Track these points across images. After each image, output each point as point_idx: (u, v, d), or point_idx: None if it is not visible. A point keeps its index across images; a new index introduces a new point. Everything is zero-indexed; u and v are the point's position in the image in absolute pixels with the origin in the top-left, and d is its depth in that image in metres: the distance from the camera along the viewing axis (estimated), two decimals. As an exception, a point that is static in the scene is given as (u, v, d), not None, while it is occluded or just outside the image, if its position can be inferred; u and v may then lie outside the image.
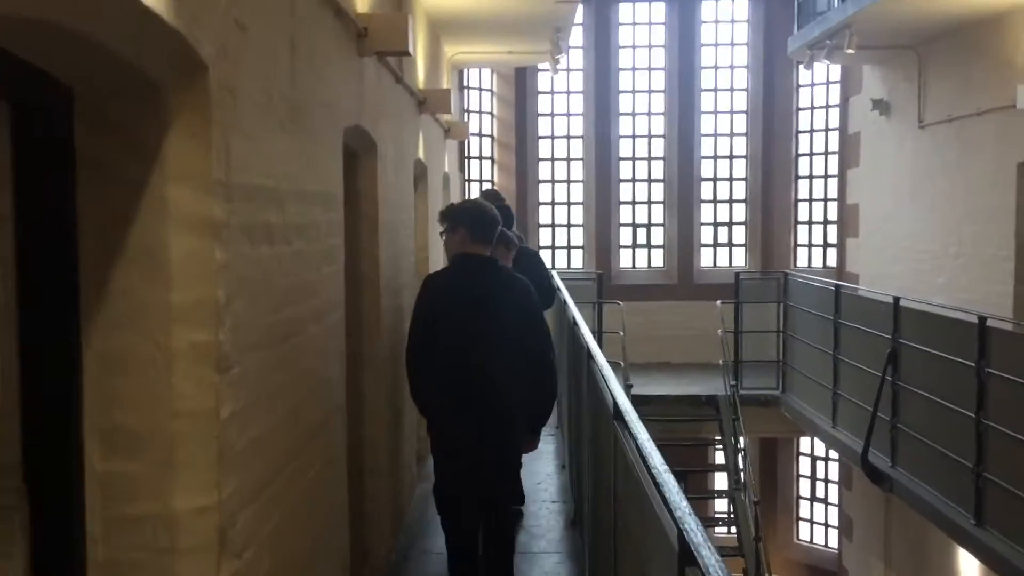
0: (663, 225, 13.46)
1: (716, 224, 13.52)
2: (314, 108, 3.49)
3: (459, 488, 4.37)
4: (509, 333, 4.32)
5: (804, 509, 13.55)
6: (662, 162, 13.48)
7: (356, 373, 4.72)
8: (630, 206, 13.54)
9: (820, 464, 13.26)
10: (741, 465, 10.14)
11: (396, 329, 5.60)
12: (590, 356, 3.98)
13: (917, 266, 10.23)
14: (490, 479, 4.36)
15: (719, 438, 11.00)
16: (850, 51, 9.42)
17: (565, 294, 7.52)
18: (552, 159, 13.54)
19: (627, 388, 9.92)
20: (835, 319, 9.05)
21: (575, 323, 4.97)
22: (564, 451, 7.39)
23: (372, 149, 4.99)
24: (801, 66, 12.81)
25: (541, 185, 13.51)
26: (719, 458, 11.84)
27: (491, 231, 4.51)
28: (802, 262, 13.16)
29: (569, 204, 13.57)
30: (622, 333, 10.45)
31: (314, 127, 3.49)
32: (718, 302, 10.75)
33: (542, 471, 7.24)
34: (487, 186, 12.93)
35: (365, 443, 4.91)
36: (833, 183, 12.72)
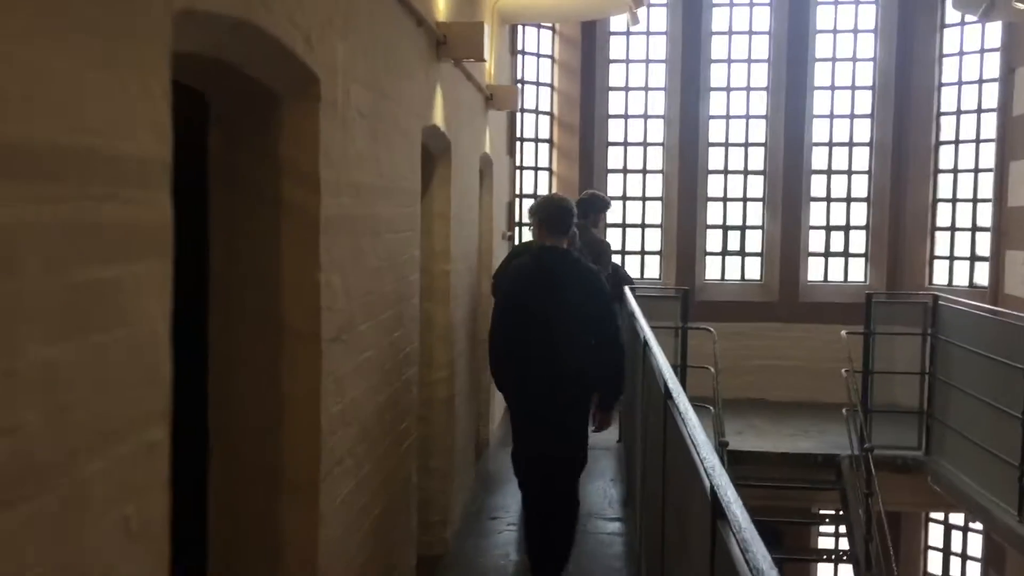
0: (762, 228, 10.80)
1: (829, 228, 10.80)
2: (400, 111, 4.11)
3: (532, 450, 4.90)
4: (580, 317, 4.79)
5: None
6: (762, 149, 10.82)
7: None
8: (720, 203, 10.90)
9: (957, 535, 10.46)
10: (870, 553, 7.51)
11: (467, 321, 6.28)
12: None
13: None
14: (559, 442, 4.83)
15: (840, 512, 8.35)
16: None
17: (640, 319, 5.31)
18: (625, 144, 10.96)
19: (720, 446, 7.38)
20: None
21: (646, 345, 4.36)
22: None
23: (447, 148, 5.49)
24: (947, 30, 10.05)
25: (610, 176, 10.95)
26: (842, 542, 9.21)
27: (561, 223, 4.98)
28: (940, 279, 10.39)
29: (644, 199, 10.99)
30: (713, 369, 7.89)
31: (399, 129, 4.10)
32: (843, 332, 8.09)
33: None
34: (548, 179, 10.45)
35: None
36: (987, 180, 9.92)
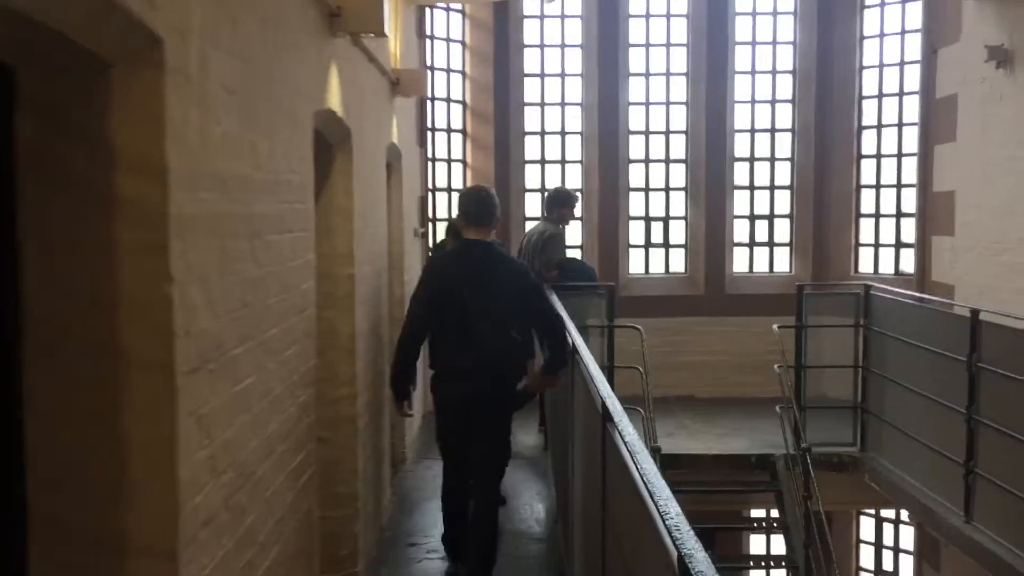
0: (685, 219, 10.42)
1: (753, 217, 10.48)
2: (284, 91, 3.52)
3: (456, 434, 5.09)
4: (503, 306, 4.97)
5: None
6: (683, 137, 10.44)
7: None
8: (642, 194, 10.48)
9: (888, 528, 10.26)
10: (810, 558, 7.17)
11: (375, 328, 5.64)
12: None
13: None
14: (482, 424, 4.97)
15: (776, 515, 7.99)
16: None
17: (567, 323, 5.25)
18: (542, 133, 10.45)
19: (653, 451, 6.93)
20: (969, 360, 6.05)
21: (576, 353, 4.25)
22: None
23: (347, 137, 4.89)
24: (867, 11, 9.81)
25: (528, 167, 10.43)
26: (776, 545, 8.88)
27: (483, 217, 5.13)
28: (866, 267, 10.16)
29: (560, 189, 10.46)
30: (643, 370, 7.44)
31: (284, 111, 3.51)
32: (775, 326, 7.72)
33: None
34: (461, 169, 9.87)
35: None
36: (911, 164, 9.70)
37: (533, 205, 10.37)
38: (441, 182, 9.97)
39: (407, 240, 7.86)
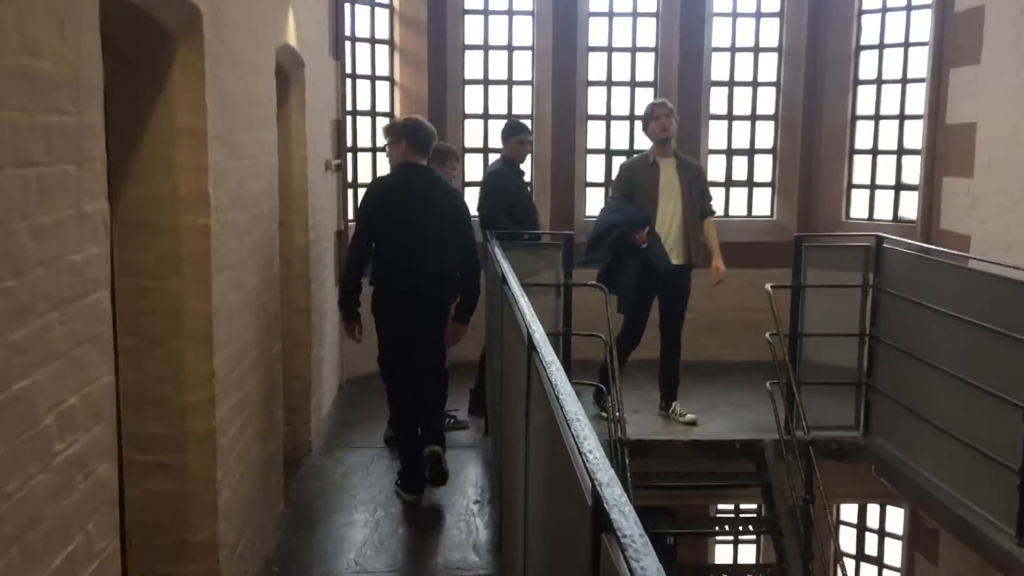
0: (652, 152, 8.88)
1: (730, 152, 9.00)
2: None
3: (398, 353, 5.49)
4: (443, 232, 5.36)
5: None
6: (652, 56, 8.86)
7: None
8: (603, 123, 8.91)
9: (873, 508, 9.07)
10: (811, 572, 5.91)
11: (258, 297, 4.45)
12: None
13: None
14: (421, 340, 5.47)
15: (765, 515, 6.66)
16: None
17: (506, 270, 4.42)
18: (485, 47, 8.78)
19: (620, 445, 5.57)
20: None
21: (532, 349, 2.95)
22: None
23: (192, 19, 3.38)
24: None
25: (468, 88, 8.77)
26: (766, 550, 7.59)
27: (429, 144, 5.57)
28: (859, 212, 8.79)
29: (511, 117, 8.86)
30: (606, 339, 6.01)
31: None
32: (768, 286, 6.30)
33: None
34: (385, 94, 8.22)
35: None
36: (917, 92, 8.28)
37: (474, 134, 8.75)
38: (364, 104, 8.27)
39: (314, 175, 6.23)
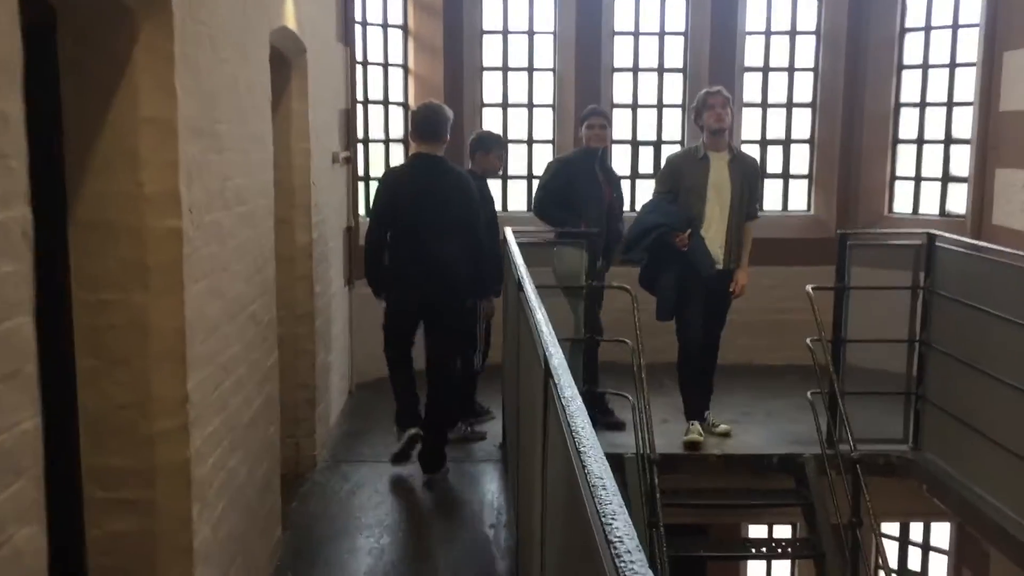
0: (681, 143, 8.38)
1: (764, 142, 8.48)
2: None
3: (404, 332, 5.63)
4: (451, 222, 5.38)
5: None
6: (681, 40, 8.35)
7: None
8: (629, 111, 8.42)
9: (917, 523, 8.54)
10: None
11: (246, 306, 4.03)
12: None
13: None
14: (432, 323, 5.57)
15: (806, 536, 6.18)
16: None
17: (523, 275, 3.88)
18: (504, 32, 8.31)
19: (648, 462, 5.12)
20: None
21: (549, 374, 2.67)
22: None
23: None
24: None
25: (486, 75, 8.30)
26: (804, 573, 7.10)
27: (435, 130, 5.47)
28: (902, 206, 8.25)
29: (532, 107, 8.40)
30: (635, 345, 5.54)
31: None
32: (809, 287, 5.80)
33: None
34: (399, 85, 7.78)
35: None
36: (967, 77, 7.73)
37: (493, 124, 8.28)
38: (376, 93, 7.83)
39: (318, 168, 5.79)
